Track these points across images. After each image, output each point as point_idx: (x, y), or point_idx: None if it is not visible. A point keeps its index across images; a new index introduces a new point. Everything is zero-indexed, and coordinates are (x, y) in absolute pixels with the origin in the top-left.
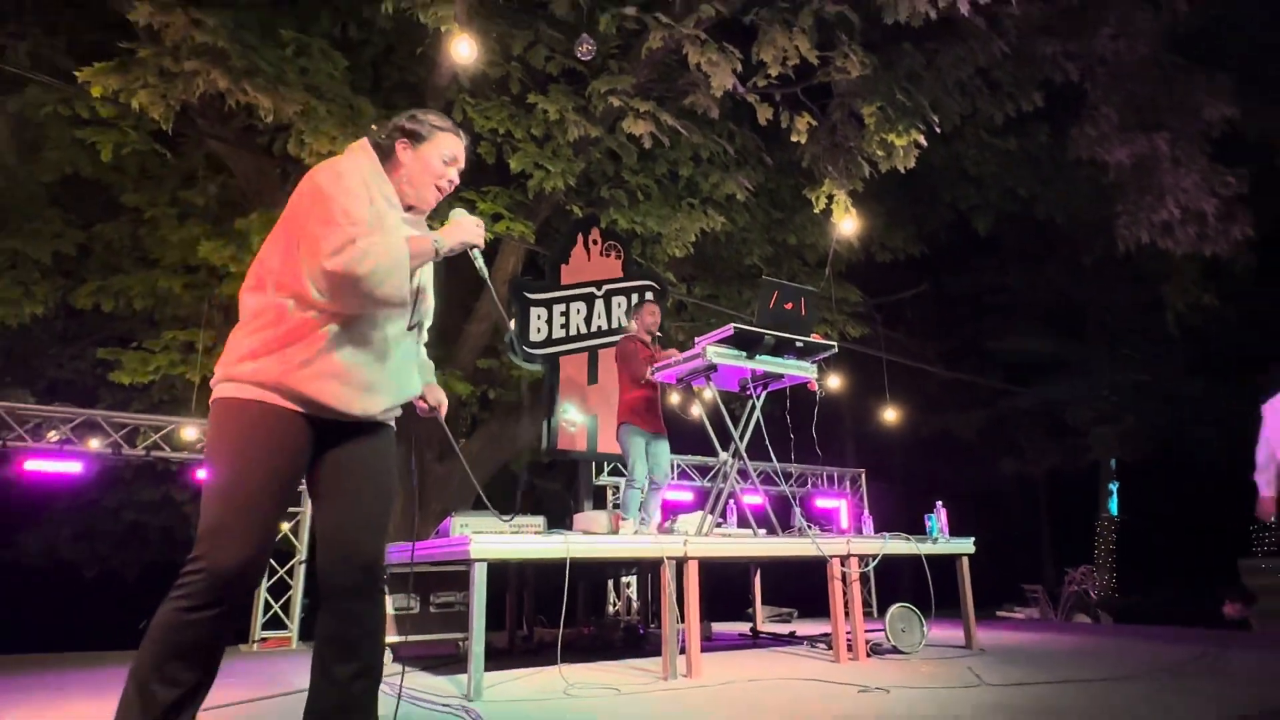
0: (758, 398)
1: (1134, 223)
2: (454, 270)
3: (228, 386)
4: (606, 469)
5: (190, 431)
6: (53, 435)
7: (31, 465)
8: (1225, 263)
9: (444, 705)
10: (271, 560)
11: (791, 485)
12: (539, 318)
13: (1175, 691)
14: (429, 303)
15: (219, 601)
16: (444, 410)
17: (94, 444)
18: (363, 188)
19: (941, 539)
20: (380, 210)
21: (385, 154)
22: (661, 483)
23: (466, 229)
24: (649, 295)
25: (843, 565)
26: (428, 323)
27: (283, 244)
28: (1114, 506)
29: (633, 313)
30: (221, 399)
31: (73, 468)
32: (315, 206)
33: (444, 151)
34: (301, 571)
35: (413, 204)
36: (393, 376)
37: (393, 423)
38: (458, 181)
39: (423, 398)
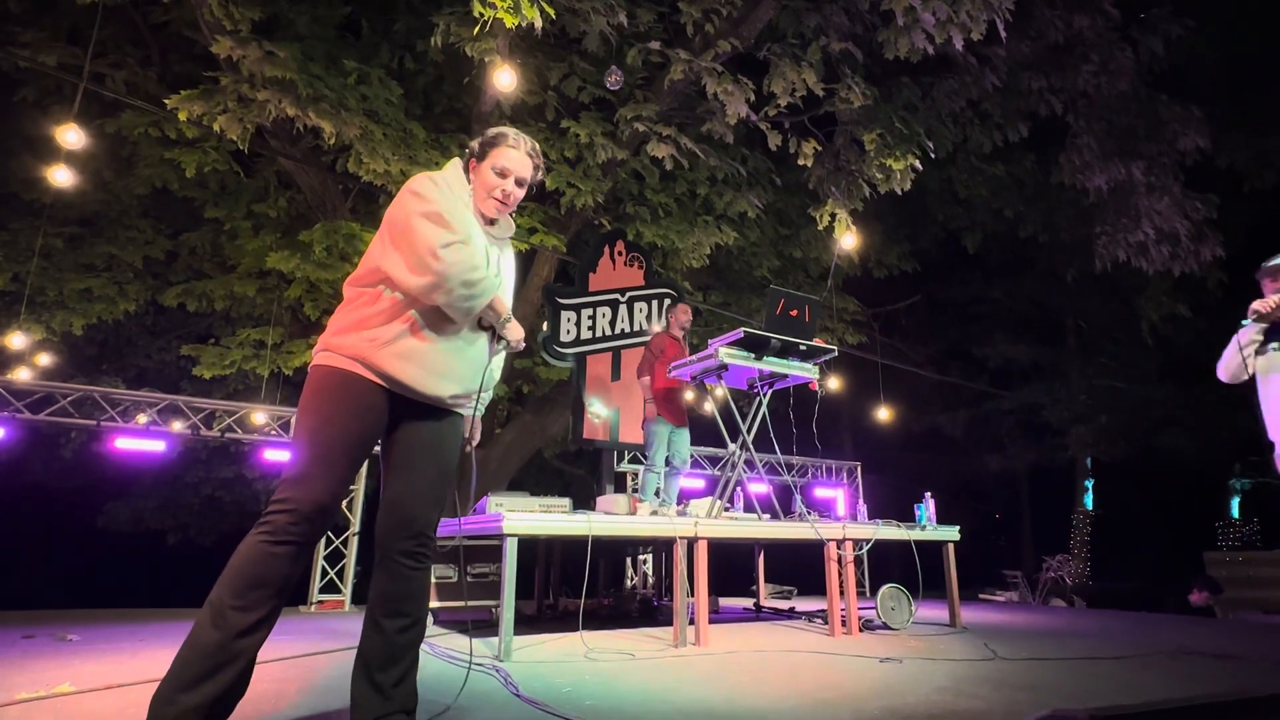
0: (764, 395)
1: (1112, 243)
2: None
3: (323, 356)
4: (627, 457)
5: (260, 416)
6: (141, 418)
7: (122, 443)
8: (1197, 278)
9: (477, 664)
10: (328, 532)
11: (793, 475)
12: (569, 320)
13: (1176, 669)
14: (514, 331)
15: (299, 538)
16: (475, 440)
17: (176, 426)
18: (455, 199)
19: (930, 526)
20: (469, 221)
21: (469, 172)
22: (680, 468)
23: (518, 334)
24: (675, 298)
25: (839, 548)
26: (510, 340)
27: (383, 240)
28: (1089, 501)
29: (668, 312)
30: (316, 366)
31: (157, 446)
32: (418, 204)
33: (496, 164)
34: (355, 542)
35: (485, 214)
36: (465, 368)
37: (462, 412)
38: (516, 193)
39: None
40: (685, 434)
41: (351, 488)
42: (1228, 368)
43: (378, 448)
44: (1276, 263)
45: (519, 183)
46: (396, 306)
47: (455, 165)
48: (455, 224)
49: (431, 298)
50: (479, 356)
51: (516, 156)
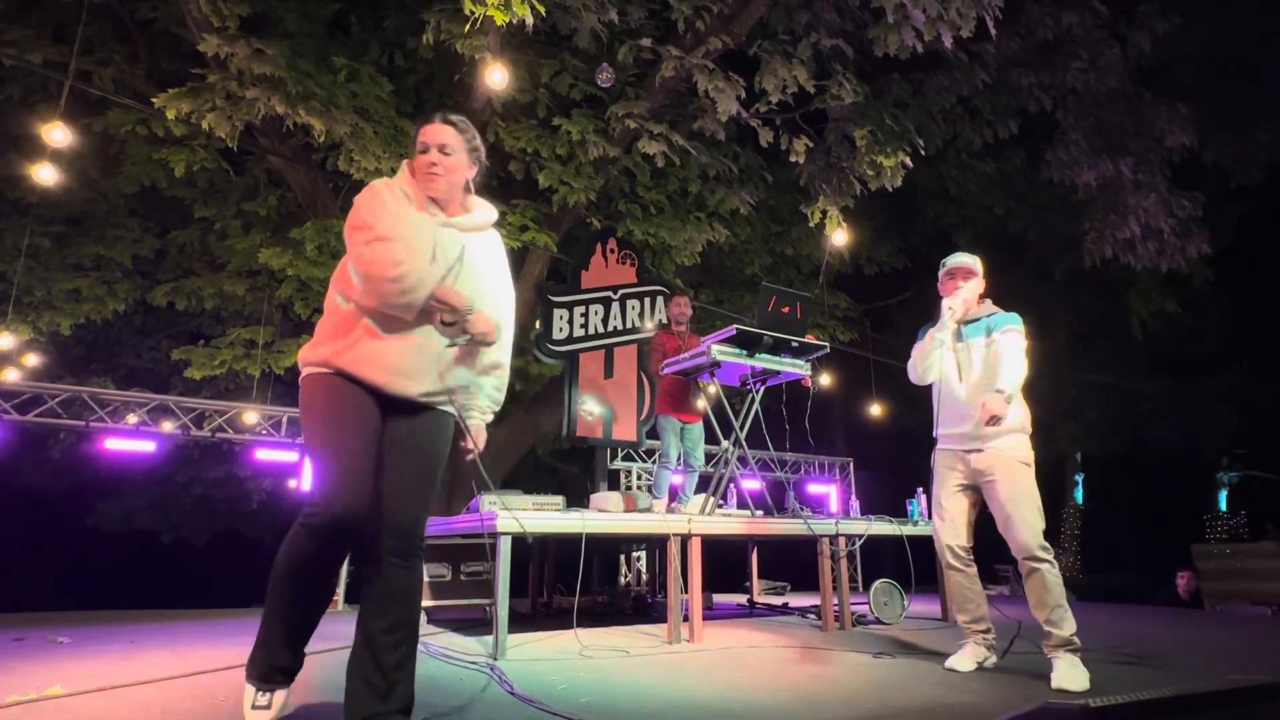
0: (757, 392)
1: (1100, 239)
2: None
3: (304, 369)
4: (620, 454)
5: (251, 416)
6: (131, 418)
7: (111, 444)
8: (1184, 274)
9: (471, 663)
10: None
11: (786, 472)
12: (561, 318)
13: (1166, 662)
14: (478, 324)
15: (333, 542)
16: (480, 447)
17: (167, 426)
18: (392, 199)
19: (921, 521)
20: (399, 217)
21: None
22: (696, 467)
23: (482, 326)
24: (668, 295)
25: (831, 544)
26: (495, 350)
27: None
28: (1079, 495)
29: (665, 307)
30: (302, 379)
31: (147, 447)
32: (351, 215)
33: (419, 143)
34: None
35: (431, 196)
36: (431, 365)
37: (450, 409)
38: (444, 160)
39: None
40: (697, 429)
41: None
42: (928, 369)
43: (475, 450)
44: (953, 264)
45: (443, 149)
46: (353, 314)
47: (405, 165)
48: (379, 221)
49: (368, 302)
50: (448, 354)
51: (432, 128)
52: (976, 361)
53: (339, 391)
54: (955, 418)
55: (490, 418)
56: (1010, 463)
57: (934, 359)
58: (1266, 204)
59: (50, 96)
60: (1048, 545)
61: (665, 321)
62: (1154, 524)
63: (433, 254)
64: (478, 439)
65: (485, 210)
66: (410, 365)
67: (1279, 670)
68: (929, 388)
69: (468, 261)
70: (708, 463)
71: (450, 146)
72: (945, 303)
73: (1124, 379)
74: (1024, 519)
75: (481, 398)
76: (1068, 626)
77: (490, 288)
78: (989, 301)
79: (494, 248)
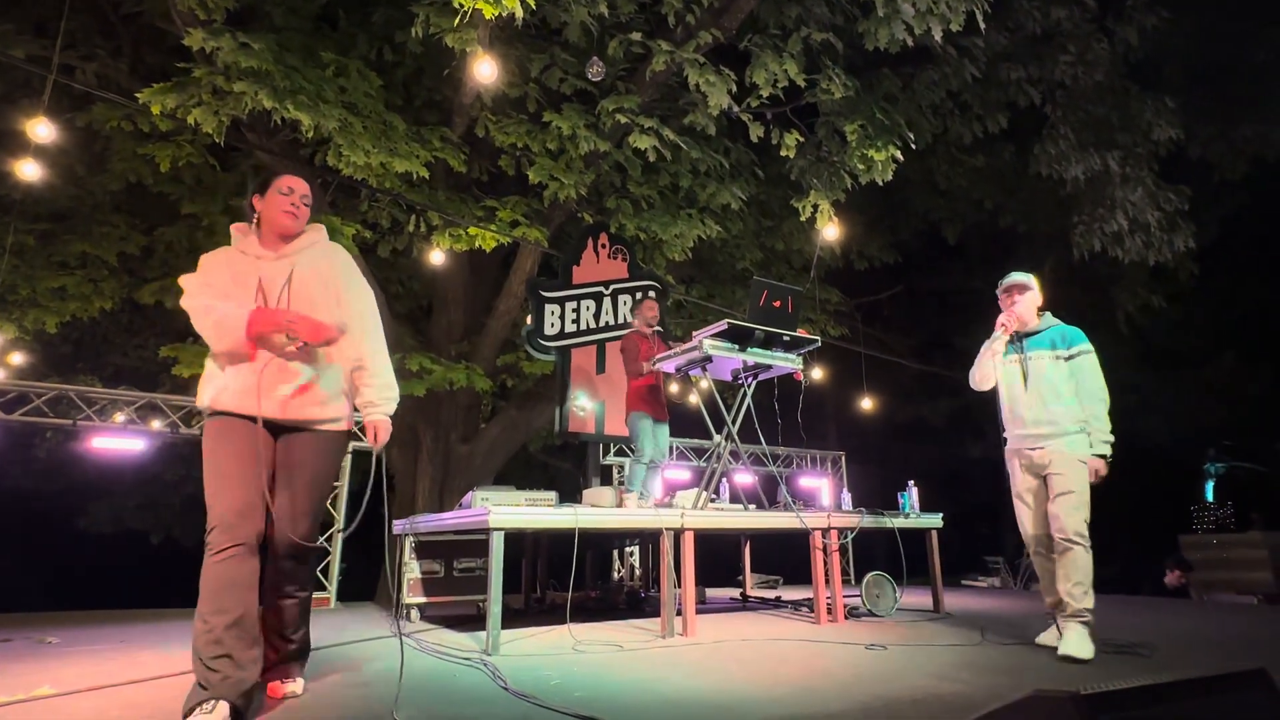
0: (748, 386)
1: (1088, 232)
2: (478, 275)
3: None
4: (613, 450)
5: None
6: (119, 417)
7: (99, 443)
8: (1170, 268)
9: (465, 659)
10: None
11: (778, 466)
12: (553, 314)
13: (1155, 651)
14: (308, 328)
15: (229, 543)
16: (382, 440)
17: (155, 424)
18: (212, 267)
19: (913, 514)
20: (223, 279)
21: (250, 215)
22: (660, 462)
23: (306, 329)
24: (650, 294)
25: (824, 537)
26: (354, 348)
27: None
28: None
29: (635, 309)
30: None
31: (136, 445)
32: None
33: (280, 186)
34: (340, 539)
35: (279, 234)
36: (279, 387)
37: (335, 428)
38: (300, 206)
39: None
40: (665, 429)
41: (336, 484)
42: (984, 378)
43: (373, 445)
44: (1009, 282)
45: (304, 199)
46: (211, 358)
47: (233, 231)
48: (192, 286)
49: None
50: (300, 373)
51: (299, 181)
52: (1041, 373)
53: (221, 431)
54: (1019, 421)
55: (385, 409)
56: (1070, 459)
57: (987, 368)
58: (1251, 198)
59: (33, 92)
60: (1086, 533)
61: (635, 324)
62: (1141, 515)
63: (256, 290)
64: (379, 433)
65: (312, 231)
66: (247, 384)
67: (1265, 657)
68: (990, 394)
69: (296, 278)
70: (700, 457)
71: (310, 199)
72: (1000, 319)
73: (1111, 372)
74: (1072, 506)
75: (368, 394)
76: (1086, 601)
77: (323, 294)
78: (1048, 314)
79: (322, 258)
